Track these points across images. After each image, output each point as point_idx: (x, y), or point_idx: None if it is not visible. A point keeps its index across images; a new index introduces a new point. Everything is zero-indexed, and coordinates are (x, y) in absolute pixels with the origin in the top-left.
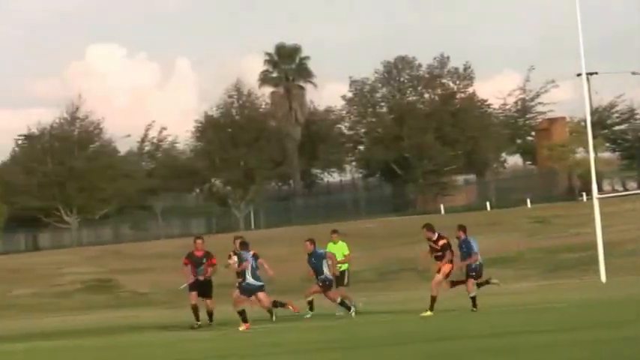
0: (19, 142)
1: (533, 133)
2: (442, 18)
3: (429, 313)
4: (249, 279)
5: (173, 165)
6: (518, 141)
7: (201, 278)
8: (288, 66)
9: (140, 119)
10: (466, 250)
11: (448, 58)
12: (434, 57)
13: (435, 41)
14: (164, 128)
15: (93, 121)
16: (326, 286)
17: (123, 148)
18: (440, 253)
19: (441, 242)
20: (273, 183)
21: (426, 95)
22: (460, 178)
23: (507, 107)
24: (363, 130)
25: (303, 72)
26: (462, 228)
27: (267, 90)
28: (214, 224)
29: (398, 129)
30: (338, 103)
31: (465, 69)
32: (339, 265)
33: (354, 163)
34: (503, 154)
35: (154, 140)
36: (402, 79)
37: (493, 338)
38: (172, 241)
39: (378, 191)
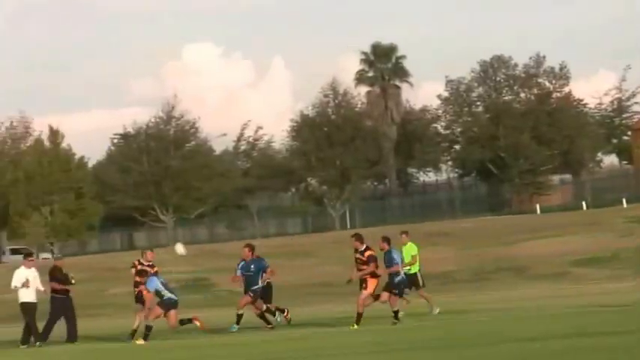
0: (115, 141)
1: (629, 133)
2: (537, 18)
3: (355, 326)
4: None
5: (269, 164)
6: (614, 140)
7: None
8: (384, 65)
9: (235, 118)
10: (388, 263)
11: (544, 57)
12: (529, 56)
13: (530, 41)
14: (260, 127)
15: (189, 120)
16: (256, 297)
17: (218, 147)
18: (364, 266)
19: (367, 253)
20: (368, 182)
21: (522, 95)
22: (556, 178)
23: (603, 107)
24: (458, 130)
25: (399, 71)
26: (386, 240)
27: (363, 89)
28: (310, 224)
29: (494, 128)
30: (434, 103)
31: (561, 68)
32: (407, 267)
33: (449, 163)
34: (599, 154)
35: (250, 139)
36: (498, 78)
37: (582, 338)
38: (268, 240)
39: (473, 191)
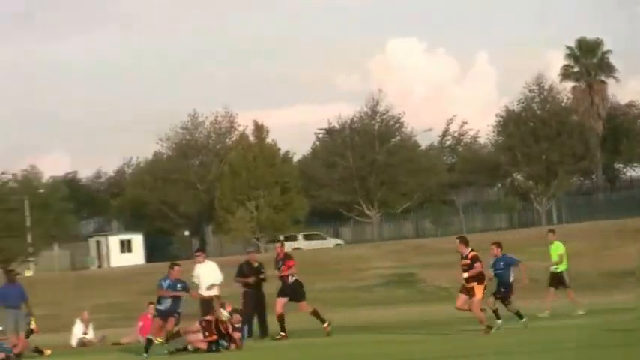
0: (320, 136)
1: None
2: None
3: (492, 330)
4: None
5: (474, 159)
6: None
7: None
8: (589, 60)
9: (439, 113)
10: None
11: None
12: None
13: None
14: (465, 122)
15: (393, 115)
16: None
17: (423, 142)
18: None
19: (471, 254)
20: (574, 178)
21: None
22: None
23: None
24: None
25: (605, 66)
26: (497, 244)
27: (568, 84)
28: (516, 219)
29: None
30: None
31: None
32: (554, 266)
33: None
34: None
35: (455, 134)
36: None
37: None
38: (474, 235)
39: None
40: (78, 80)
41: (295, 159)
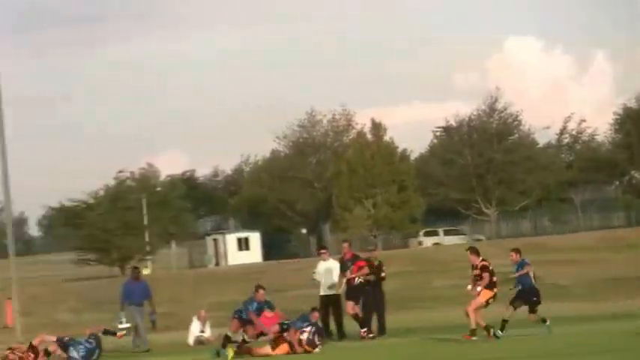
0: (438, 134)
1: None
2: None
3: (500, 333)
4: None
5: (592, 157)
6: None
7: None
8: None
9: (556, 111)
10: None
11: None
12: None
13: None
14: (583, 120)
15: (511, 113)
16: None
17: (541, 139)
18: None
19: (481, 264)
20: None
21: None
22: None
23: None
24: None
25: None
26: (517, 250)
27: None
28: (633, 217)
29: None
30: None
31: None
32: None
33: None
34: None
35: (573, 132)
36: None
37: None
38: (592, 233)
39: None
40: (196, 78)
41: (413, 157)
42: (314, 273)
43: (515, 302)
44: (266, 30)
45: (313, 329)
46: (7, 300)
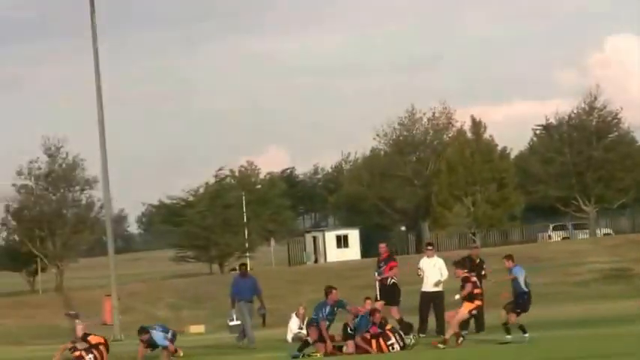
0: (537, 132)
1: None
2: None
3: (441, 346)
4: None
5: None
6: None
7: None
8: None
9: None
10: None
11: None
12: None
13: None
14: None
15: (611, 110)
16: None
17: None
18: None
19: (462, 275)
20: None
21: None
22: None
23: None
24: None
25: None
26: (509, 257)
27: None
28: None
29: None
30: None
31: None
32: None
33: None
34: None
35: None
36: None
37: None
38: None
39: None
40: (295, 77)
41: (512, 155)
42: (418, 269)
43: (507, 307)
44: (361, 29)
45: (395, 335)
46: (106, 297)
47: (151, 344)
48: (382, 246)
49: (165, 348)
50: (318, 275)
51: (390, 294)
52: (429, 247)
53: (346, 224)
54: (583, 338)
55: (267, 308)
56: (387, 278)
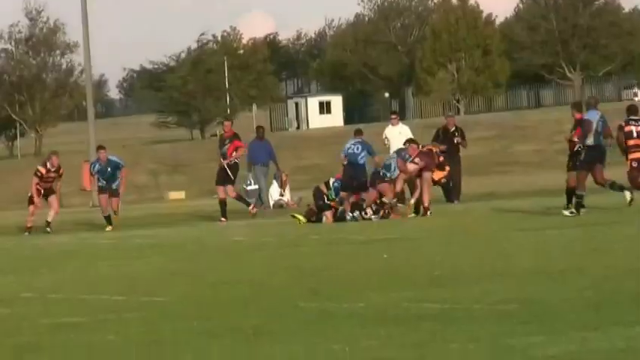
0: None
1: None
2: None
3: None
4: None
5: None
6: None
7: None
8: None
9: None
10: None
11: None
12: None
13: None
14: None
15: None
16: None
17: (627, 4)
18: None
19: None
20: None
21: None
22: None
23: None
24: None
25: None
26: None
27: None
28: None
29: None
30: None
31: None
32: None
33: None
34: None
35: None
36: None
37: None
38: None
39: None
40: None
41: (497, 21)
42: (385, 138)
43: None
44: None
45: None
46: (85, 162)
47: (110, 165)
48: (227, 124)
49: (123, 168)
50: (299, 142)
51: (229, 173)
52: (393, 116)
53: (329, 90)
54: None
55: (282, 171)
56: (230, 159)
